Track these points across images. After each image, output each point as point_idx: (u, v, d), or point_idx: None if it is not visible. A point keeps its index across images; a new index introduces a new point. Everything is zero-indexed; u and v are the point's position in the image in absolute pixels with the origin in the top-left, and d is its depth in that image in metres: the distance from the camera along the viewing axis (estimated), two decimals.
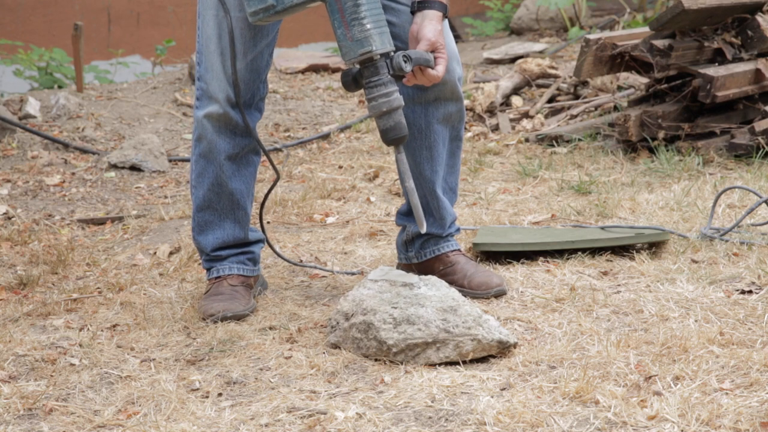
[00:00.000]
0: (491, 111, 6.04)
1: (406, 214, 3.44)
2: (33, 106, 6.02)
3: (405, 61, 2.91)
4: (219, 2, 3.13)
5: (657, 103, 5.17)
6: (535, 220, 4.15)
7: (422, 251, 3.42)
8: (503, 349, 2.84)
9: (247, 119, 3.21)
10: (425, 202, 3.36)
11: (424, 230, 2.96)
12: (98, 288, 3.56)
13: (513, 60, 7.32)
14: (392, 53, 2.91)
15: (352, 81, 2.93)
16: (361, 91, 2.99)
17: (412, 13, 3.06)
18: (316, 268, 3.63)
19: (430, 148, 3.31)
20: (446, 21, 3.12)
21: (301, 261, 3.78)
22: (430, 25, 3.00)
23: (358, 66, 2.92)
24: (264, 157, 3.37)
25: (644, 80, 5.50)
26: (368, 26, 2.87)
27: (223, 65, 3.16)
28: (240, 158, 3.29)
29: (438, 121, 3.29)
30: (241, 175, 3.30)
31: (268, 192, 3.49)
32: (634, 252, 3.66)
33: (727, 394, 2.54)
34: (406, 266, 3.44)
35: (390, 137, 2.93)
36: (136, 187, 5.04)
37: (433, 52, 3.00)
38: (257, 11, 2.91)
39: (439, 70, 3.00)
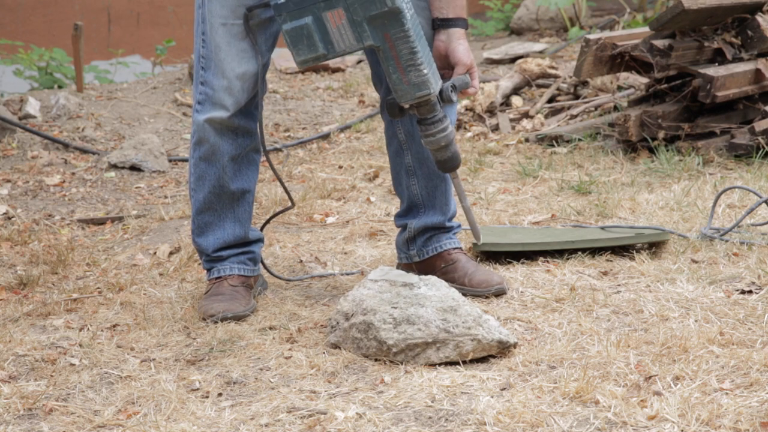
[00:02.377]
0: (491, 111, 6.04)
1: (405, 215, 3.44)
2: (33, 106, 6.02)
3: (452, 91, 3.02)
4: (231, 11, 3.12)
5: (657, 103, 5.17)
6: (535, 220, 4.15)
7: (425, 248, 3.42)
8: (503, 349, 2.84)
9: (262, 128, 3.26)
10: (427, 192, 3.38)
11: (480, 241, 3.16)
12: (98, 288, 3.56)
13: (513, 60, 7.32)
14: (441, 87, 3.01)
15: (399, 110, 3.04)
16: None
17: (434, 29, 3.13)
18: (314, 277, 3.61)
19: None
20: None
21: (301, 261, 3.78)
22: (461, 47, 3.11)
23: (407, 105, 3.00)
24: (264, 156, 3.37)
25: (644, 80, 5.50)
26: (425, 71, 2.94)
27: (234, 73, 3.16)
28: (242, 158, 3.29)
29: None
30: (243, 174, 3.31)
31: (278, 213, 3.50)
32: (634, 252, 3.66)
33: (727, 394, 2.54)
34: (407, 266, 3.44)
35: (449, 166, 3.08)
36: (136, 187, 5.04)
37: (467, 71, 3.12)
38: (307, 59, 2.95)
39: (476, 85, 3.13)
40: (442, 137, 3.03)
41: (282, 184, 3.33)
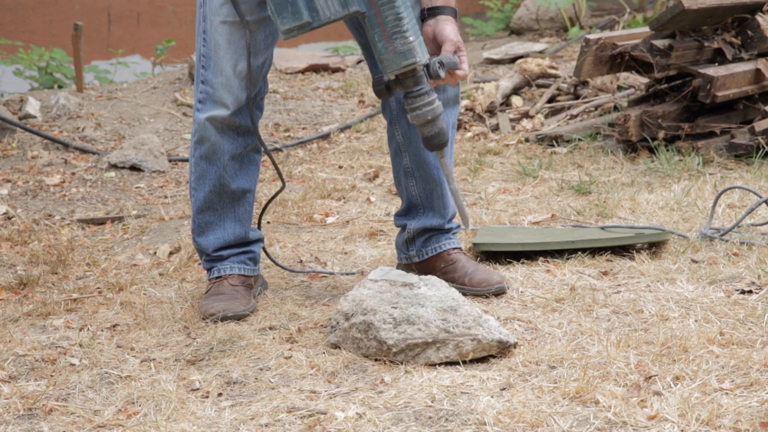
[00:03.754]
0: (491, 111, 6.04)
1: (404, 215, 3.44)
2: (33, 106, 6.02)
3: (439, 67, 2.96)
4: (231, 9, 3.12)
5: (657, 103, 5.17)
6: (535, 220, 4.15)
7: (424, 249, 3.42)
8: (503, 349, 2.84)
9: (256, 124, 3.23)
10: (425, 194, 3.37)
11: (469, 227, 3.05)
12: (98, 288, 3.56)
13: (513, 60, 7.32)
14: (428, 61, 2.96)
15: (386, 89, 2.97)
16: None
17: (423, 20, 3.10)
18: (315, 272, 3.62)
19: None
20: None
21: (301, 262, 3.78)
22: (449, 26, 3.08)
23: (395, 75, 2.94)
24: (264, 156, 3.37)
25: (644, 80, 5.50)
26: (411, 38, 2.90)
27: (234, 70, 3.16)
28: (243, 157, 3.29)
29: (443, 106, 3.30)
30: (243, 173, 3.31)
31: (271, 199, 3.48)
32: (634, 252, 3.66)
33: (727, 394, 2.54)
34: (406, 266, 3.44)
35: (435, 143, 2.99)
36: (136, 187, 5.04)
37: (455, 51, 3.06)
38: (291, 28, 2.89)
39: (465, 68, 3.07)
40: (428, 110, 2.95)
41: (273, 162, 3.30)
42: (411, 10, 2.93)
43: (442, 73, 2.96)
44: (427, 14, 3.10)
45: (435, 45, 3.09)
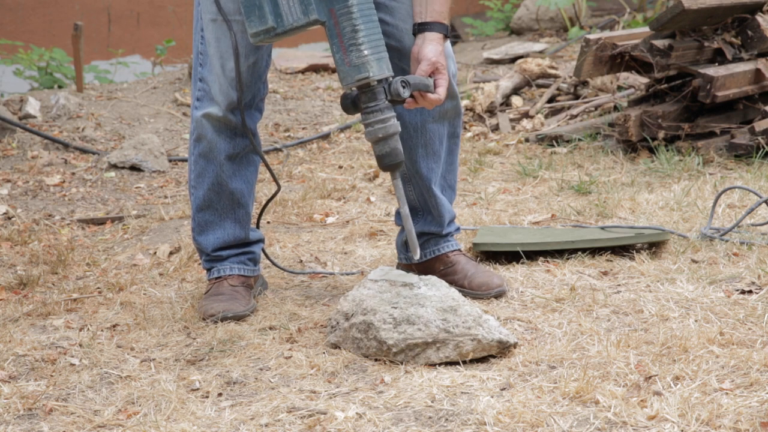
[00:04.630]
0: (491, 111, 6.04)
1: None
2: (33, 106, 6.02)
3: (403, 87, 2.91)
4: (217, 8, 3.12)
5: (657, 103, 5.17)
6: (535, 220, 4.15)
7: (422, 251, 3.42)
8: (503, 349, 2.84)
9: (247, 126, 3.21)
10: (423, 200, 3.37)
11: (417, 257, 2.98)
12: (98, 288, 3.56)
13: (513, 60, 7.32)
14: (390, 79, 2.92)
15: (351, 104, 2.94)
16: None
17: (414, 35, 3.06)
18: (315, 273, 3.62)
19: (426, 146, 3.31)
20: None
21: (301, 262, 3.78)
22: (431, 46, 3.01)
23: (356, 90, 2.92)
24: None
25: (644, 80, 5.50)
26: (366, 52, 2.86)
27: (222, 68, 3.16)
28: (240, 158, 3.29)
29: (433, 119, 3.28)
30: (241, 175, 3.30)
31: (268, 201, 3.48)
32: (634, 252, 3.66)
33: (727, 394, 2.54)
34: (406, 266, 3.44)
35: (385, 163, 2.94)
36: (136, 187, 5.04)
37: (433, 73, 3.00)
38: (258, 32, 2.91)
39: (440, 93, 3.00)
40: (380, 128, 2.91)
41: (268, 167, 3.29)
42: (374, 24, 2.89)
43: (404, 93, 2.91)
44: (416, 30, 3.05)
45: (416, 64, 3.03)
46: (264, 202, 4.48)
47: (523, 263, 3.60)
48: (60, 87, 7.26)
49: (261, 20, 2.89)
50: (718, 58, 5.11)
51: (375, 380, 2.73)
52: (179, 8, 8.98)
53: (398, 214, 3.46)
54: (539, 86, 6.34)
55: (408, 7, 3.12)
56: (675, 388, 2.58)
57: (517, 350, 2.87)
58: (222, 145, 3.25)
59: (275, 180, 3.33)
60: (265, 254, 3.48)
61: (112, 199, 4.85)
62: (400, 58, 3.14)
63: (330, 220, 4.32)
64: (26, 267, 3.84)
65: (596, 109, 5.83)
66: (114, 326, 3.20)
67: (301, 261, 3.78)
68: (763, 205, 3.92)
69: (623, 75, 5.95)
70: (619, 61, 5.16)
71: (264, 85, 3.27)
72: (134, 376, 2.81)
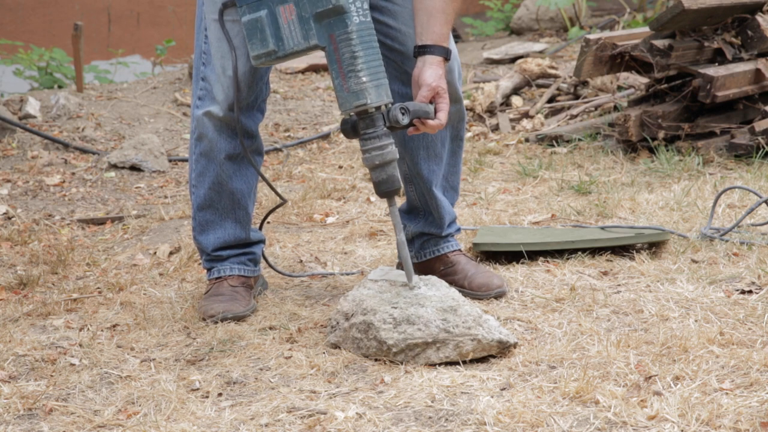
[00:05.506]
0: (491, 111, 6.04)
1: (405, 213, 3.44)
2: (33, 106, 6.02)
3: (402, 114, 2.90)
4: (219, 7, 3.12)
5: (657, 103, 5.17)
6: (535, 220, 4.15)
7: (422, 251, 3.42)
8: (503, 349, 2.84)
9: (245, 130, 3.21)
10: (423, 201, 3.37)
11: (412, 284, 2.93)
12: (98, 288, 3.56)
13: (513, 60, 7.32)
14: (390, 105, 2.91)
15: (351, 129, 2.93)
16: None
17: (415, 56, 3.04)
18: (314, 274, 3.62)
19: (428, 148, 3.31)
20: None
21: (301, 262, 3.78)
22: (431, 70, 2.99)
23: (348, 115, 2.92)
24: (265, 157, 3.37)
25: (644, 80, 5.50)
26: (364, 79, 2.86)
27: (224, 69, 3.16)
28: (241, 158, 3.28)
29: None
30: (241, 175, 3.30)
31: (271, 211, 3.47)
32: (634, 252, 3.66)
33: (727, 394, 2.54)
34: None
35: (382, 190, 2.93)
36: (136, 187, 5.04)
37: (434, 97, 2.98)
38: (259, 55, 2.92)
39: (441, 118, 2.98)
40: (377, 155, 2.90)
41: (269, 184, 3.30)
42: (374, 50, 2.89)
43: (403, 120, 2.90)
44: (416, 53, 3.03)
45: (416, 88, 3.01)
46: (266, 203, 4.50)
47: (523, 263, 3.60)
48: (60, 87, 7.26)
49: (263, 43, 2.90)
50: (718, 58, 5.11)
51: (375, 380, 2.73)
52: (179, 8, 8.98)
53: (399, 211, 3.46)
54: (539, 86, 6.34)
55: (410, 11, 3.12)
56: (675, 388, 2.58)
57: (517, 350, 2.87)
58: (222, 144, 3.25)
59: (278, 195, 3.33)
60: (265, 259, 3.48)
61: (112, 199, 4.86)
62: (404, 61, 3.15)
63: (330, 220, 4.32)
64: (26, 267, 3.84)
65: (596, 109, 5.83)
66: (114, 326, 3.20)
67: (301, 261, 3.78)
68: (763, 205, 3.92)
69: (623, 75, 5.95)
70: (619, 61, 5.16)
71: (266, 86, 3.27)
72: (134, 376, 2.81)
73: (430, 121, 2.97)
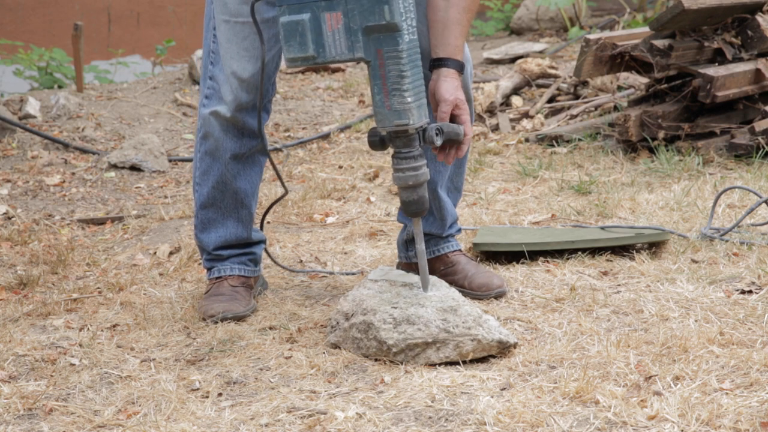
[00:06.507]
0: (491, 111, 6.04)
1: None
2: (33, 106, 6.02)
3: (437, 134, 2.89)
4: (232, 8, 3.10)
5: (657, 103, 5.17)
6: (535, 220, 4.15)
7: None
8: (503, 349, 2.84)
9: (263, 128, 3.21)
10: (429, 200, 3.36)
11: (426, 292, 2.93)
12: (98, 288, 3.56)
13: (513, 60, 7.33)
14: (426, 125, 2.88)
15: (379, 143, 2.91)
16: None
17: (430, 69, 3.03)
18: (315, 272, 3.62)
19: None
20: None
21: (301, 262, 3.78)
22: (447, 83, 2.97)
23: (384, 132, 2.88)
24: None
25: (644, 80, 5.50)
26: (409, 99, 2.81)
27: (231, 70, 3.16)
28: (246, 158, 3.29)
29: None
30: (245, 175, 3.30)
31: (273, 203, 3.47)
32: (634, 252, 3.66)
33: (727, 394, 2.54)
34: (407, 265, 3.44)
35: (412, 210, 2.91)
36: (136, 187, 5.05)
37: (453, 110, 2.97)
38: (296, 58, 2.85)
39: (467, 129, 2.98)
40: (411, 175, 2.87)
41: (277, 172, 3.29)
42: (419, 70, 2.85)
43: (437, 141, 2.88)
44: (432, 66, 3.01)
45: (435, 102, 3.00)
46: (266, 203, 4.50)
47: (523, 263, 3.60)
48: (60, 87, 7.26)
49: (301, 47, 2.83)
50: (718, 58, 5.11)
51: (375, 380, 2.73)
52: (179, 8, 8.98)
53: (400, 212, 3.47)
54: (539, 86, 6.34)
55: (425, 9, 3.10)
56: (675, 388, 2.58)
57: (517, 350, 2.87)
58: (228, 144, 3.25)
59: (283, 184, 3.32)
60: (267, 253, 3.48)
61: (112, 199, 4.86)
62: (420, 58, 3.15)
63: (330, 220, 4.32)
64: (26, 267, 3.84)
65: (596, 109, 5.83)
66: (114, 326, 3.20)
67: (301, 261, 3.78)
68: (763, 205, 3.92)
69: (623, 75, 5.95)
70: (619, 61, 5.16)
71: (273, 86, 3.27)
72: (134, 376, 2.81)
73: (463, 146, 2.97)
